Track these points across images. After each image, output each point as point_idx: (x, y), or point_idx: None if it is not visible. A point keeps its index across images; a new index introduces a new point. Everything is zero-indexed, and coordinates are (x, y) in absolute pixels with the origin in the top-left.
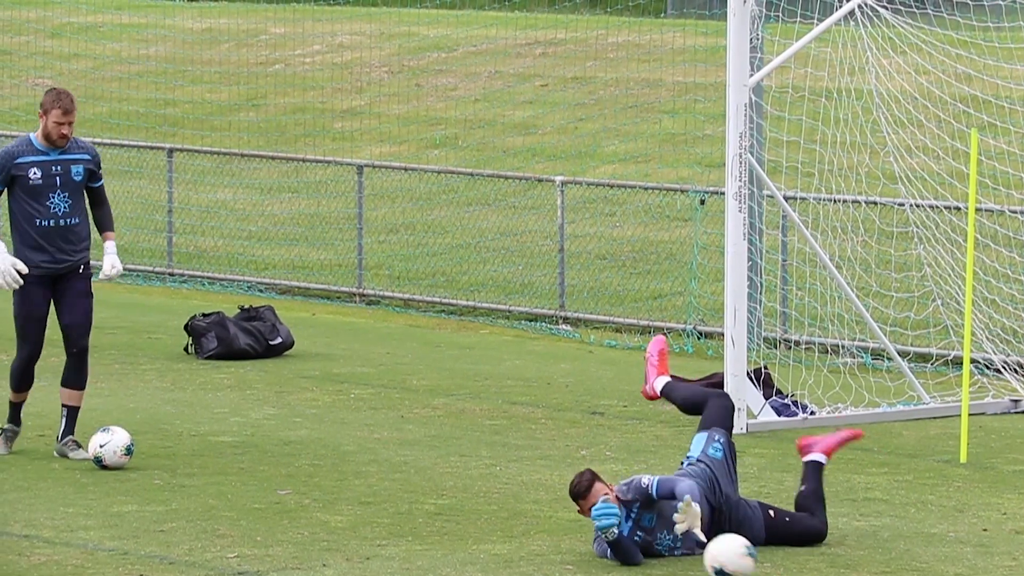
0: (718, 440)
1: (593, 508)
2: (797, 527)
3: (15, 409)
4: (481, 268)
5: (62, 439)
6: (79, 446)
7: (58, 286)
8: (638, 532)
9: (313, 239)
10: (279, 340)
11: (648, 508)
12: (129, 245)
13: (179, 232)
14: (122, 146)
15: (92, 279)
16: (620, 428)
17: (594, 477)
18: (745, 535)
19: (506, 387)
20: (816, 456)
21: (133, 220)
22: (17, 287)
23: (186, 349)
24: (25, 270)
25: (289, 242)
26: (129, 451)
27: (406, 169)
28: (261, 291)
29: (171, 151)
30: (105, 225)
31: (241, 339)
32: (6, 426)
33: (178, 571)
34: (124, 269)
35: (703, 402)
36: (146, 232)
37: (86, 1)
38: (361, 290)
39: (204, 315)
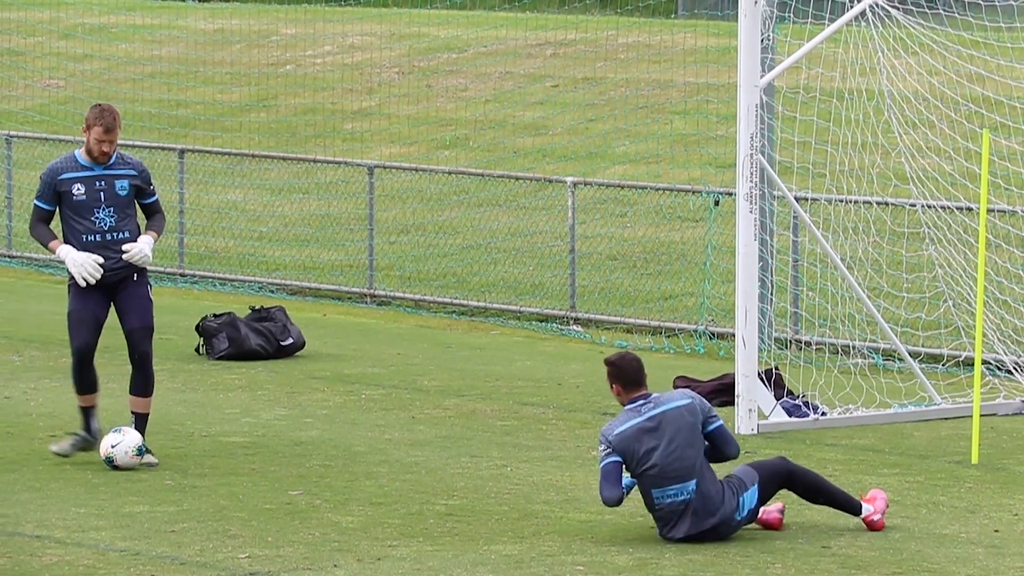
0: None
1: None
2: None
3: (85, 414)
4: (492, 269)
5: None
6: (148, 452)
7: (117, 294)
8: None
9: (324, 240)
10: (290, 341)
11: None
12: None
13: (190, 233)
14: (133, 147)
15: (151, 287)
16: None
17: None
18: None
19: (517, 388)
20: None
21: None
22: (99, 276)
23: (197, 350)
24: (102, 260)
25: (300, 243)
26: (140, 451)
27: (416, 170)
28: (272, 292)
29: (182, 152)
30: (151, 228)
31: (252, 340)
32: (79, 432)
33: (189, 571)
34: None
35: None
36: None
37: (98, 2)
38: (372, 291)
39: (215, 316)
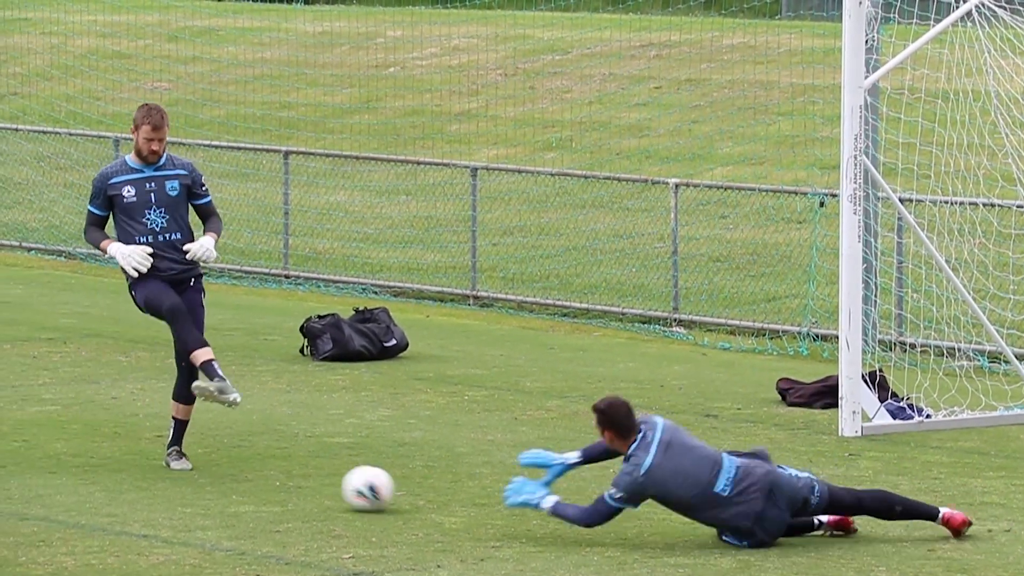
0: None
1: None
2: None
3: (210, 368)
4: (594, 270)
5: (168, 450)
6: (182, 456)
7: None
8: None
9: (427, 241)
10: (393, 342)
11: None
12: (246, 247)
13: (295, 234)
14: (239, 148)
15: (204, 293)
16: (734, 431)
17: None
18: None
19: (619, 389)
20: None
21: (250, 222)
22: (148, 265)
23: (302, 351)
24: (150, 249)
25: (403, 244)
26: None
27: (520, 171)
28: (375, 293)
29: (287, 153)
30: (210, 230)
31: (356, 341)
32: (222, 388)
33: (294, 571)
34: (241, 271)
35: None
36: (262, 234)
37: (205, 5)
38: (475, 292)
39: (319, 317)
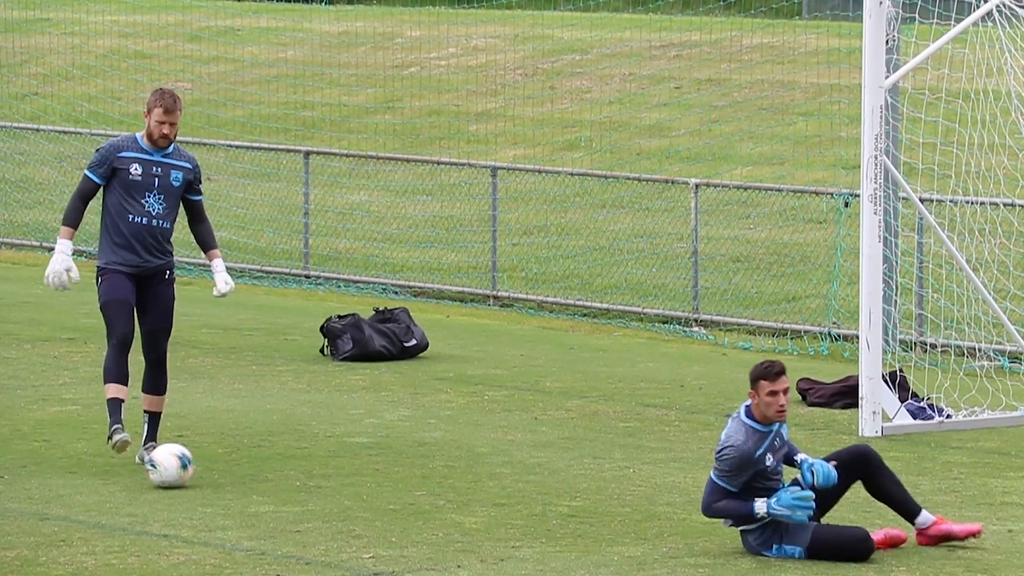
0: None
1: (795, 497)
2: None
3: (115, 407)
4: (615, 270)
5: (144, 444)
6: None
7: (142, 289)
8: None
9: (448, 241)
10: (414, 342)
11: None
12: (266, 247)
13: (315, 234)
14: (259, 149)
15: (175, 285)
16: None
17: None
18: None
19: (639, 389)
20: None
21: (270, 222)
22: (64, 291)
23: (322, 351)
24: (78, 279)
25: (424, 244)
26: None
27: (540, 171)
28: (396, 293)
29: (307, 153)
30: (208, 243)
31: (376, 341)
32: (114, 432)
33: (314, 571)
34: (262, 271)
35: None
36: (283, 234)
37: (225, 5)
38: (495, 292)
39: (339, 317)
